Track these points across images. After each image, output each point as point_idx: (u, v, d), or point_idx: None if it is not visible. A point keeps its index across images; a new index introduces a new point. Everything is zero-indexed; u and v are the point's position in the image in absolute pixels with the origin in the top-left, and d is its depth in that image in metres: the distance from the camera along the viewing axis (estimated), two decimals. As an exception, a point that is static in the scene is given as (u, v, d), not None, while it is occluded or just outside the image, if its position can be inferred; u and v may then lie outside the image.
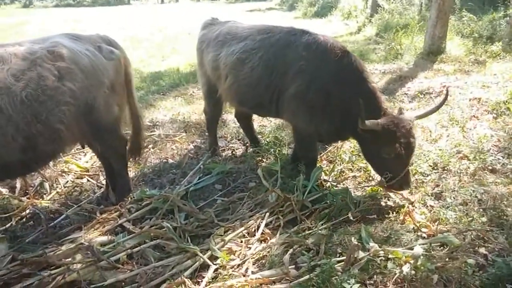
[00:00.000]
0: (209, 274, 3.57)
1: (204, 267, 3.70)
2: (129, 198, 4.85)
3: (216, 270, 3.65)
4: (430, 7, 11.44)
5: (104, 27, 19.82)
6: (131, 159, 5.24)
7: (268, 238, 4.08)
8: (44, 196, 5.12)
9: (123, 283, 3.52)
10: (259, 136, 6.42)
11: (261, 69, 4.90)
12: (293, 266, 3.61)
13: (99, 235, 4.18)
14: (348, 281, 3.23)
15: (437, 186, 4.79)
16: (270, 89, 4.89)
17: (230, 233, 4.10)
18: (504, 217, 4.10)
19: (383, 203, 4.55)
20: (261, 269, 3.64)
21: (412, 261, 3.43)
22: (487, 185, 4.68)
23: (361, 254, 3.55)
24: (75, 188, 5.34)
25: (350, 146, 5.70)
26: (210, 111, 6.05)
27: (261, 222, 4.24)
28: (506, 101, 6.84)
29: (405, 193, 4.56)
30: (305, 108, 4.70)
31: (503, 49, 10.26)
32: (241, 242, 4.03)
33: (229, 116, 7.26)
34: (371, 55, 11.46)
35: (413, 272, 3.35)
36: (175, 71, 10.99)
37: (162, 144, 6.48)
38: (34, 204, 4.86)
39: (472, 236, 3.82)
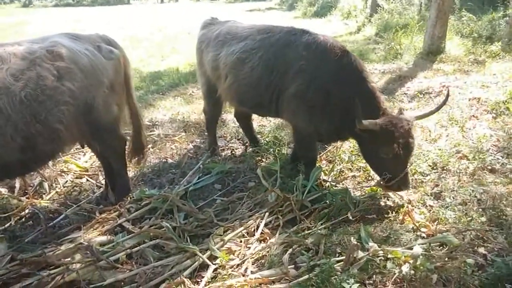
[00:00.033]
0: (208, 274, 3.57)
1: (204, 267, 3.70)
2: (129, 198, 4.85)
3: (215, 270, 3.65)
4: (430, 7, 11.45)
5: (104, 27, 19.84)
6: (135, 159, 5.26)
7: (268, 238, 4.08)
8: (43, 196, 5.12)
9: (122, 283, 3.52)
10: (258, 136, 6.42)
11: (261, 68, 4.90)
12: (293, 266, 3.61)
13: (99, 235, 4.17)
14: (347, 281, 3.23)
15: (437, 186, 4.79)
16: (270, 89, 4.89)
17: (229, 233, 4.10)
18: (504, 217, 4.11)
19: (382, 203, 4.55)
20: (260, 269, 3.64)
21: (411, 261, 3.44)
22: (486, 185, 4.68)
23: (361, 254, 3.55)
24: (75, 188, 5.34)
25: (349, 146, 5.70)
26: (210, 110, 6.05)
27: (261, 222, 4.24)
28: (506, 101, 6.85)
29: (403, 193, 4.56)
30: (305, 107, 4.70)
31: (503, 49, 10.27)
32: (241, 242, 4.03)
33: (229, 115, 7.26)
34: (370, 55, 11.46)
35: (412, 272, 3.35)
36: (174, 71, 10.99)
37: (161, 144, 6.48)
38: (33, 204, 4.85)
39: (472, 236, 3.83)
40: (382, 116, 4.36)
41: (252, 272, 3.58)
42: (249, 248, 3.94)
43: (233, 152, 6.19)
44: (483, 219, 4.08)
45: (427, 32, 10.96)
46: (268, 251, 3.85)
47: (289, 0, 29.82)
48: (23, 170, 4.23)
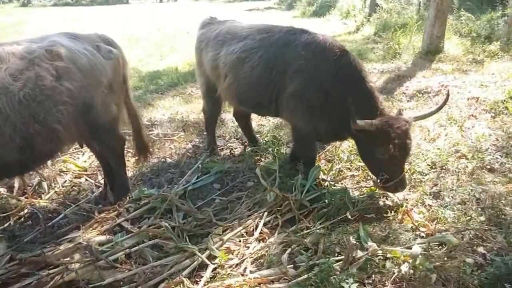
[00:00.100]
0: (207, 273, 3.56)
1: (203, 266, 3.69)
2: (128, 198, 4.85)
3: (214, 269, 3.65)
4: (429, 7, 11.46)
5: (103, 26, 19.85)
6: (141, 158, 5.30)
7: (267, 237, 4.08)
8: (42, 195, 5.11)
9: (121, 283, 3.52)
10: (257, 135, 6.42)
11: (261, 68, 4.90)
12: (292, 265, 3.62)
13: (98, 234, 4.17)
14: (346, 281, 3.23)
15: (436, 185, 4.80)
16: (270, 88, 4.89)
17: (228, 233, 4.09)
18: (503, 216, 4.11)
19: (381, 203, 4.55)
20: (259, 269, 3.64)
21: (410, 260, 3.44)
22: (485, 184, 4.68)
23: (360, 253, 3.56)
24: (73, 187, 5.33)
25: (348, 145, 5.70)
26: (209, 110, 6.05)
27: (260, 222, 4.23)
28: (504, 100, 6.85)
29: (399, 194, 4.55)
30: (304, 107, 4.70)
31: (501, 48, 10.28)
32: (240, 241, 4.02)
33: (228, 115, 7.25)
34: (369, 55, 11.47)
35: (411, 271, 3.35)
36: (173, 70, 10.98)
37: (160, 144, 6.48)
38: (32, 203, 4.85)
39: (471, 235, 3.83)
40: (379, 116, 4.35)
41: (251, 272, 3.58)
42: (248, 247, 3.94)
43: (232, 152, 6.19)
44: (482, 218, 4.09)
45: (425, 31, 10.97)
46: (267, 251, 3.85)
47: (288, -1, 29.86)
48: (21, 170, 4.22)
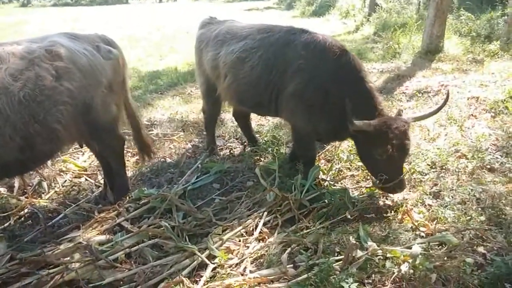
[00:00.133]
0: (207, 273, 3.56)
1: (202, 266, 3.69)
2: (127, 197, 4.85)
3: (214, 269, 3.65)
4: (428, 6, 11.44)
5: (102, 26, 19.86)
6: (145, 158, 5.34)
7: (266, 237, 4.08)
8: (43, 195, 5.11)
9: (121, 282, 3.52)
10: (257, 135, 6.42)
11: (261, 68, 4.89)
12: (291, 265, 3.61)
13: (97, 234, 4.17)
14: (346, 280, 3.22)
15: (435, 185, 4.79)
16: (270, 88, 4.89)
17: (228, 232, 4.09)
18: (503, 216, 4.11)
19: (381, 202, 4.55)
20: (259, 268, 3.64)
21: (410, 260, 3.43)
22: (485, 184, 4.68)
23: (359, 253, 3.56)
24: (73, 187, 5.33)
25: (348, 145, 5.69)
26: (209, 110, 6.05)
27: (259, 221, 4.23)
28: (504, 100, 6.85)
29: (399, 195, 4.55)
30: (304, 106, 4.69)
31: (501, 48, 10.27)
32: (239, 241, 4.02)
33: (227, 115, 7.25)
34: (369, 54, 11.46)
35: (411, 271, 3.35)
36: (173, 70, 10.98)
37: (160, 143, 6.47)
38: (33, 203, 4.85)
39: (471, 235, 3.83)
40: (378, 116, 4.35)
41: (250, 272, 3.58)
42: (248, 247, 3.94)
43: (231, 152, 6.19)
44: (482, 218, 4.08)
45: (425, 31, 10.96)
46: (266, 251, 3.85)
47: (287, -1, 29.86)
48: (21, 170, 4.23)
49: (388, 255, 3.56)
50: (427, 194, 4.62)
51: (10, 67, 3.68)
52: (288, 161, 5.54)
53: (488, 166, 5.06)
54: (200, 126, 6.95)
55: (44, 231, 4.30)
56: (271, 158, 5.69)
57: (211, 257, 3.77)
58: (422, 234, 3.94)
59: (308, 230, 4.08)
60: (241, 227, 4.16)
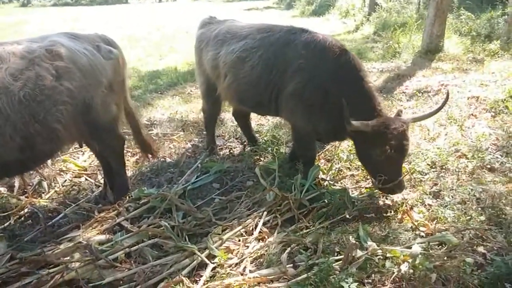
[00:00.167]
0: (207, 272, 3.56)
1: (202, 266, 3.70)
2: (127, 197, 4.85)
3: (214, 268, 3.65)
4: (428, 6, 11.44)
5: (102, 26, 19.86)
6: (149, 158, 5.39)
7: (266, 237, 4.07)
8: (43, 195, 5.11)
9: (121, 282, 3.52)
10: (257, 135, 6.42)
11: (261, 67, 4.89)
12: (291, 265, 3.62)
13: (97, 233, 4.18)
14: (346, 280, 3.22)
15: (435, 184, 4.79)
16: (270, 88, 4.89)
17: (228, 232, 4.09)
18: (503, 215, 4.11)
19: (381, 202, 4.55)
20: (259, 268, 3.64)
21: (410, 260, 3.43)
22: (485, 184, 4.68)
23: (359, 253, 3.55)
24: (73, 187, 5.33)
25: (348, 145, 5.69)
26: (209, 109, 6.05)
27: (259, 221, 4.23)
28: (504, 100, 6.85)
29: (398, 195, 4.55)
30: (303, 106, 4.69)
31: (501, 47, 10.28)
32: (239, 241, 4.02)
33: (227, 115, 7.25)
34: (369, 54, 11.46)
35: (411, 271, 3.35)
36: (173, 70, 10.97)
37: (160, 143, 6.47)
38: (33, 203, 4.85)
39: (471, 235, 3.83)
40: (377, 117, 4.34)
41: (250, 271, 3.58)
42: (248, 247, 3.94)
43: (231, 151, 6.19)
44: (482, 218, 4.08)
45: (425, 30, 10.96)
46: (266, 250, 3.85)
47: (287, -2, 29.85)
48: (22, 169, 4.23)
49: (388, 255, 3.56)
50: (427, 194, 4.62)
51: (11, 66, 3.68)
52: (288, 160, 5.54)
53: (488, 166, 5.06)
54: (200, 126, 6.95)
55: (44, 230, 4.30)
56: (271, 157, 5.69)
57: (211, 256, 3.77)
58: (422, 234, 3.94)
59: (307, 230, 4.08)
60: (240, 227, 4.16)
